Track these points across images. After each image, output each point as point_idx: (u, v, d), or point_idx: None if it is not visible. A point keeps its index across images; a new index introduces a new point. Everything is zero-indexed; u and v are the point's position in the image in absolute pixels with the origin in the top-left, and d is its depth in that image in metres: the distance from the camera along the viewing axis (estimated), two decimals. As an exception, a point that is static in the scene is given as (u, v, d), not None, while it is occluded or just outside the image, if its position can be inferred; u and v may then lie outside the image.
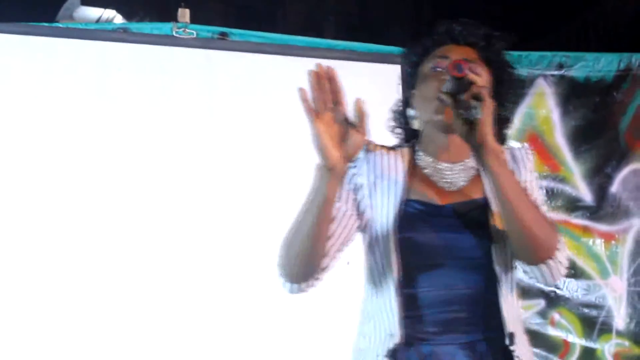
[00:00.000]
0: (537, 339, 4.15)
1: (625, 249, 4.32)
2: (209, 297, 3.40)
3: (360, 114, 1.61)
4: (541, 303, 4.19)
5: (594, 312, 4.24)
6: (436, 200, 1.84)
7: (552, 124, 4.28)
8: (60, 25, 3.57)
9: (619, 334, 4.25)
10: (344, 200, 1.85)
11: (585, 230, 4.29)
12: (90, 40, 3.47)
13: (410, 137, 2.00)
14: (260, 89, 3.60)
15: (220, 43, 3.71)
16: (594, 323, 4.23)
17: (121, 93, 3.44)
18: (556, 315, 4.21)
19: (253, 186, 3.48)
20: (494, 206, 1.77)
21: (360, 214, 1.86)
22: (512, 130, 3.99)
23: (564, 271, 1.76)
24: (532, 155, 1.97)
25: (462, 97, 1.64)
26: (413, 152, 1.94)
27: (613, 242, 4.31)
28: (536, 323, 4.17)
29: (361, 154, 1.85)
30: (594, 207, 4.29)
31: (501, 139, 1.97)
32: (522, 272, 1.83)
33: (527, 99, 4.26)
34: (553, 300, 4.21)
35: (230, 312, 3.41)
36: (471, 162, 1.89)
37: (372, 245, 1.85)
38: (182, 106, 3.50)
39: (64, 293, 3.26)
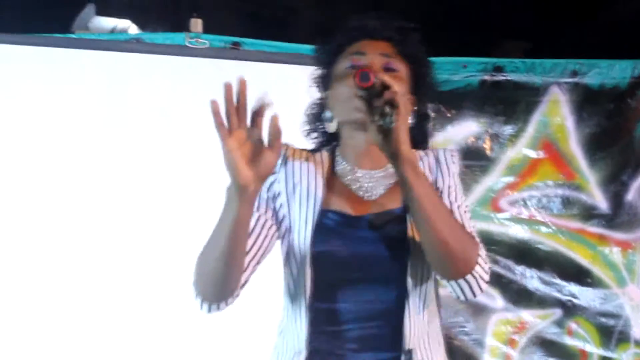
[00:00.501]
0: (553, 348, 4.15)
1: (642, 257, 4.28)
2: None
3: (275, 131, 1.52)
4: (557, 312, 4.16)
5: (611, 321, 4.20)
6: (353, 211, 1.76)
7: (567, 132, 4.25)
8: (73, 36, 3.57)
9: (637, 343, 4.21)
10: (263, 210, 1.78)
11: (602, 238, 4.26)
12: (103, 51, 3.47)
13: (328, 142, 1.92)
14: (273, 98, 3.58)
15: (233, 53, 3.70)
16: (611, 332, 4.20)
17: (134, 103, 3.43)
18: (573, 325, 4.18)
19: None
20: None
21: (278, 223, 1.79)
22: (525, 138, 4.10)
23: (484, 286, 1.65)
24: (457, 158, 1.87)
25: (375, 104, 1.56)
26: (333, 158, 1.86)
27: (630, 250, 4.27)
28: (553, 333, 4.15)
29: (280, 160, 1.79)
30: (609, 215, 4.26)
31: (422, 136, 1.90)
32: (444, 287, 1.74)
33: (541, 106, 4.24)
34: (570, 310, 4.18)
35: (229, 311, 3.38)
36: (392, 168, 1.80)
37: (289, 256, 1.77)
38: (195, 116, 3.47)
39: (64, 293, 3.27)
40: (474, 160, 4.16)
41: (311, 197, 1.77)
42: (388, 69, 1.76)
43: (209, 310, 1.72)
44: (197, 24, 3.70)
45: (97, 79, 3.41)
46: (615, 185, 4.27)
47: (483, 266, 1.65)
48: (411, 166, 1.58)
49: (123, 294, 3.32)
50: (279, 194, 1.79)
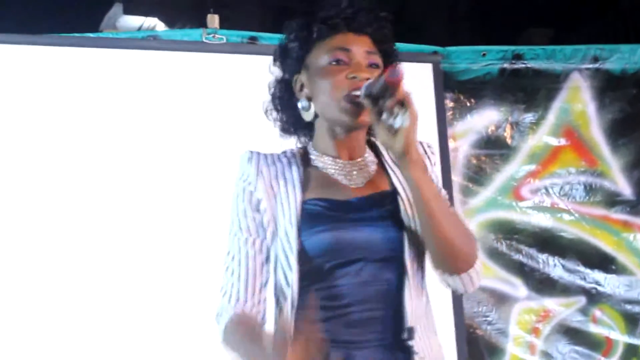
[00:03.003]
0: (578, 336, 4.12)
1: (666, 243, 4.24)
2: (209, 297, 3.38)
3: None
4: (582, 300, 4.13)
5: (636, 308, 4.16)
6: (340, 196, 1.74)
7: (588, 118, 4.22)
8: (90, 35, 3.59)
9: (663, 330, 4.18)
10: (255, 233, 1.76)
11: (626, 225, 4.23)
12: (121, 49, 3.49)
13: (295, 127, 1.89)
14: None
15: (251, 47, 3.71)
16: (636, 319, 4.16)
17: (152, 100, 3.46)
18: (598, 313, 4.15)
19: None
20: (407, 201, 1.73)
21: (265, 232, 1.76)
22: (546, 125, 4.09)
23: (481, 278, 1.72)
24: (436, 152, 1.92)
25: (385, 103, 1.56)
26: (305, 152, 1.84)
27: (654, 236, 4.24)
28: (577, 321, 4.12)
29: (251, 169, 1.78)
30: (633, 201, 4.23)
31: None
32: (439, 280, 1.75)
33: (562, 93, 4.22)
34: (594, 297, 4.15)
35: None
36: (371, 156, 1.83)
37: (277, 258, 1.75)
38: (214, 112, 3.50)
39: (65, 292, 3.28)
40: (495, 149, 4.14)
41: (291, 193, 1.74)
42: (372, 65, 1.75)
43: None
44: (214, 19, 3.72)
45: (114, 77, 3.43)
46: (638, 171, 4.23)
47: (479, 260, 1.71)
48: (419, 167, 1.60)
49: (123, 294, 3.33)
50: (259, 200, 1.76)
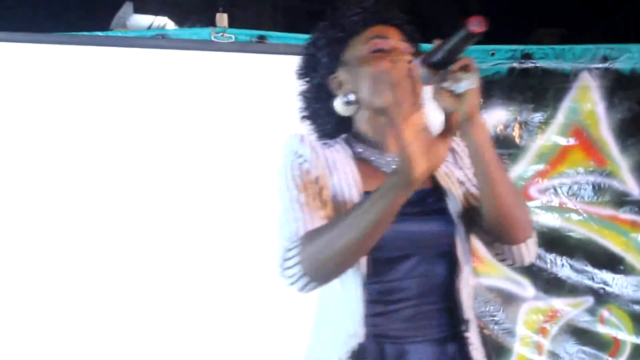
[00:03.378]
0: (586, 336, 4.12)
1: (674, 244, 4.23)
2: (209, 297, 3.40)
3: (449, 121, 1.55)
4: (590, 300, 4.13)
5: (644, 309, 4.17)
6: None
7: (598, 118, 4.21)
8: (99, 34, 3.60)
9: (672, 330, 4.17)
10: (314, 195, 1.72)
11: (634, 225, 4.21)
12: (130, 48, 3.50)
13: (334, 129, 1.89)
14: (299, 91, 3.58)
15: (259, 46, 3.71)
16: (644, 320, 4.16)
17: (160, 99, 3.46)
18: (605, 313, 4.14)
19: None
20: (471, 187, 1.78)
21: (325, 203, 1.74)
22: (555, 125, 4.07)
23: (537, 251, 1.75)
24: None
25: (449, 69, 1.57)
26: (350, 146, 1.84)
27: (663, 236, 4.22)
28: (585, 321, 4.12)
29: (305, 148, 1.76)
30: (642, 201, 4.21)
31: None
32: (494, 256, 1.78)
33: (571, 93, 4.19)
34: (602, 297, 4.14)
35: (228, 311, 3.42)
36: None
37: None
38: (222, 110, 3.50)
39: (65, 292, 3.29)
40: (503, 148, 4.12)
41: (349, 180, 1.75)
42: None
43: (307, 289, 1.64)
44: (222, 18, 3.72)
45: (123, 76, 3.44)
46: (647, 171, 4.22)
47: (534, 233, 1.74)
48: (483, 129, 1.63)
49: (124, 294, 3.34)
50: (318, 177, 1.74)
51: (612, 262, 4.17)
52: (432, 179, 1.80)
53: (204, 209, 3.43)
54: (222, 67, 3.56)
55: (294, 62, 3.55)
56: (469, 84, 1.56)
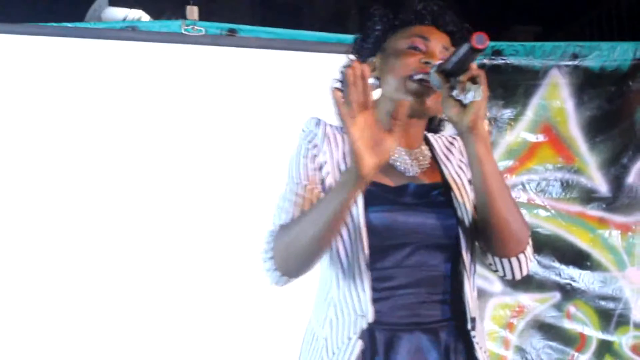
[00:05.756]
0: (552, 332, 4.15)
1: (642, 240, 4.26)
2: (208, 296, 3.42)
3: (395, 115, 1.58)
4: (556, 296, 4.16)
5: (610, 305, 4.19)
6: (393, 183, 1.78)
7: (567, 115, 4.23)
8: (68, 25, 3.57)
9: (637, 326, 4.19)
10: (313, 180, 1.80)
11: (601, 221, 4.24)
12: (99, 39, 3.48)
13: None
14: (270, 85, 3.58)
15: (230, 40, 3.70)
16: (610, 315, 4.19)
17: (130, 91, 3.45)
18: (572, 308, 4.17)
19: (260, 183, 3.40)
20: (470, 194, 1.78)
21: (326, 191, 1.78)
22: (524, 122, 4.09)
23: (530, 267, 1.76)
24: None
25: (458, 79, 1.62)
26: None
27: (630, 233, 4.24)
28: (552, 316, 4.15)
29: (319, 132, 1.83)
30: (609, 198, 4.24)
31: (438, 123, 1.98)
32: (486, 265, 1.81)
33: (540, 90, 4.22)
34: (569, 293, 4.17)
35: (228, 311, 3.43)
36: (426, 149, 1.88)
37: None
38: (191, 104, 3.50)
39: (66, 291, 3.29)
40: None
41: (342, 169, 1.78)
42: None
43: (280, 283, 1.74)
44: (193, 11, 3.70)
45: (92, 68, 3.42)
46: (615, 169, 4.24)
47: (531, 247, 1.76)
48: (485, 142, 1.65)
49: (125, 293, 3.34)
50: (324, 162, 1.80)
51: (579, 258, 4.21)
52: (441, 174, 1.84)
53: (181, 200, 3.44)
54: (192, 60, 3.55)
55: (265, 55, 3.61)
56: (475, 95, 1.60)
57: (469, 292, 1.73)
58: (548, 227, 4.18)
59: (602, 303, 4.19)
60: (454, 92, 1.63)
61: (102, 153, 3.39)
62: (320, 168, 1.81)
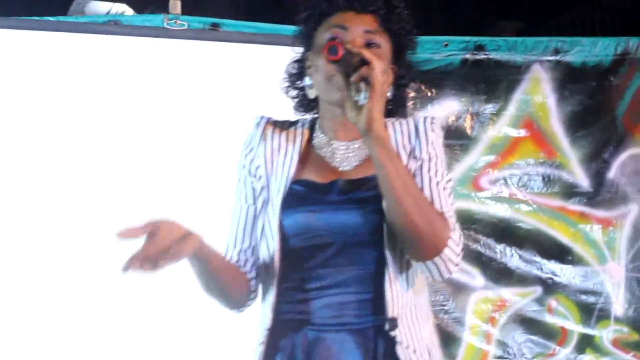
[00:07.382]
0: (534, 326, 4.17)
1: (623, 235, 4.29)
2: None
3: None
4: (538, 290, 4.18)
5: (591, 299, 4.22)
6: (322, 179, 1.73)
7: (548, 110, 4.25)
8: (50, 19, 3.55)
9: (617, 320, 4.23)
10: (251, 200, 1.80)
11: (583, 216, 4.27)
12: (81, 33, 3.46)
13: (307, 104, 1.87)
14: (253, 79, 3.57)
15: (212, 34, 3.70)
16: (591, 309, 4.22)
17: (113, 86, 3.43)
18: (553, 302, 4.20)
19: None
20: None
21: (259, 197, 1.78)
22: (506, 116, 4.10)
23: (453, 269, 1.63)
24: (438, 127, 1.78)
25: (352, 79, 1.56)
26: (312, 129, 1.83)
27: (611, 227, 4.28)
28: (533, 310, 4.17)
29: (256, 133, 1.81)
30: (591, 192, 4.27)
31: (399, 105, 1.86)
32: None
33: (522, 85, 4.23)
34: (550, 287, 4.20)
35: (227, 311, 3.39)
36: None
37: (264, 229, 1.76)
38: (174, 98, 3.49)
39: (66, 291, 3.29)
40: (455, 139, 4.15)
41: (285, 168, 1.75)
42: (370, 44, 1.71)
43: (235, 311, 1.86)
44: (175, 5, 3.70)
45: (74, 62, 3.41)
46: (596, 163, 4.27)
47: (454, 249, 1.61)
48: (382, 144, 1.57)
49: (124, 293, 3.29)
50: (258, 166, 1.78)
51: (560, 253, 4.23)
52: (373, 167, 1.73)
53: (163, 194, 3.41)
54: (175, 55, 3.54)
55: (247, 49, 3.60)
56: (365, 96, 1.55)
57: (389, 290, 1.65)
58: (530, 222, 4.20)
59: (583, 297, 4.22)
60: (351, 93, 1.57)
61: (85, 147, 3.38)
62: (256, 172, 1.79)
